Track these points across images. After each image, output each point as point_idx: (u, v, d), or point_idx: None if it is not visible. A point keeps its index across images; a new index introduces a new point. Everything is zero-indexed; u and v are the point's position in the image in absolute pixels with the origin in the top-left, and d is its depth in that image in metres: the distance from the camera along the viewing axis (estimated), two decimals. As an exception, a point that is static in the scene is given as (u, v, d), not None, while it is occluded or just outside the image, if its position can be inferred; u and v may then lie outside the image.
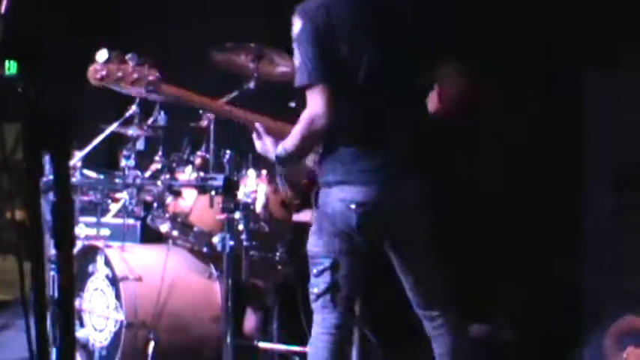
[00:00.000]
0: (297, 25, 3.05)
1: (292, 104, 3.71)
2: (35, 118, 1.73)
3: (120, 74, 3.25)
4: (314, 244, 3.12)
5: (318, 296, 3.10)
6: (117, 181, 4.20)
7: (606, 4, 4.49)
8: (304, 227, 4.12)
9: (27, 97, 1.72)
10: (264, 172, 4.00)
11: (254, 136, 3.23)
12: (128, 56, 3.28)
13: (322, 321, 3.10)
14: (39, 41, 1.76)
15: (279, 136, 3.15)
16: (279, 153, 3.06)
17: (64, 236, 1.78)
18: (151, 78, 3.28)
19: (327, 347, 3.07)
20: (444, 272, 3.19)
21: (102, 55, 3.24)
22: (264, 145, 3.19)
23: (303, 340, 3.97)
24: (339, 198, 3.02)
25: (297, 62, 3.03)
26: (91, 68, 3.27)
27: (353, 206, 2.99)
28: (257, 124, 3.21)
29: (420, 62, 3.15)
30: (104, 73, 3.24)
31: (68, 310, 1.81)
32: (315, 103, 2.95)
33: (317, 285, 3.10)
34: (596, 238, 4.57)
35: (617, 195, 4.55)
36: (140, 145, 4.26)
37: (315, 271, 3.10)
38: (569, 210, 4.67)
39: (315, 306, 3.13)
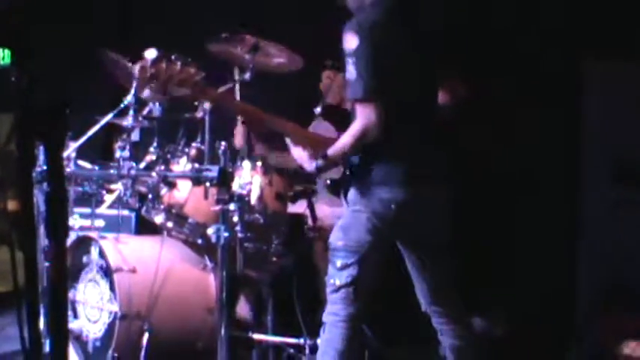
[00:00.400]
0: (352, 40, 3.11)
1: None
2: (29, 108, 1.72)
3: (169, 73, 3.23)
4: (339, 239, 3.24)
5: (339, 288, 3.22)
6: (111, 172, 4.18)
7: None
8: (299, 219, 4.12)
9: (21, 86, 1.71)
10: (258, 163, 3.99)
11: (289, 143, 3.34)
12: (174, 56, 3.25)
13: (340, 310, 3.23)
14: (33, 30, 1.75)
15: (310, 144, 3.28)
16: (322, 163, 3.20)
17: (58, 227, 1.77)
18: (197, 78, 3.27)
19: (342, 334, 3.21)
20: (454, 270, 3.37)
21: (151, 53, 3.21)
22: (300, 154, 3.30)
23: (297, 332, 3.97)
24: (379, 198, 3.16)
25: (350, 76, 3.12)
26: (139, 66, 3.25)
27: (393, 206, 3.14)
28: (298, 135, 3.33)
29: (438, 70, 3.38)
30: (153, 72, 3.22)
31: (61, 301, 1.80)
32: (369, 117, 3.09)
33: (339, 277, 3.22)
34: (595, 233, 4.57)
35: (616, 190, 4.55)
36: (135, 136, 4.24)
37: (338, 264, 3.22)
38: (569, 206, 4.67)
39: (334, 297, 3.24)
